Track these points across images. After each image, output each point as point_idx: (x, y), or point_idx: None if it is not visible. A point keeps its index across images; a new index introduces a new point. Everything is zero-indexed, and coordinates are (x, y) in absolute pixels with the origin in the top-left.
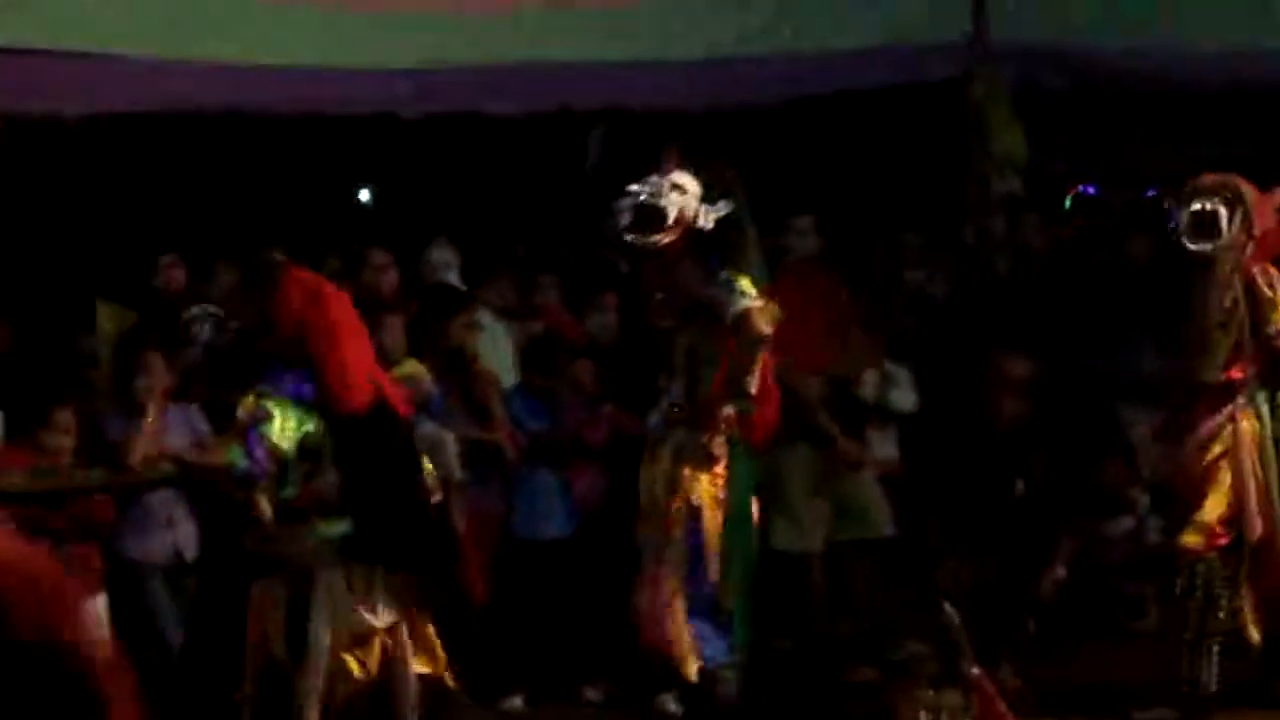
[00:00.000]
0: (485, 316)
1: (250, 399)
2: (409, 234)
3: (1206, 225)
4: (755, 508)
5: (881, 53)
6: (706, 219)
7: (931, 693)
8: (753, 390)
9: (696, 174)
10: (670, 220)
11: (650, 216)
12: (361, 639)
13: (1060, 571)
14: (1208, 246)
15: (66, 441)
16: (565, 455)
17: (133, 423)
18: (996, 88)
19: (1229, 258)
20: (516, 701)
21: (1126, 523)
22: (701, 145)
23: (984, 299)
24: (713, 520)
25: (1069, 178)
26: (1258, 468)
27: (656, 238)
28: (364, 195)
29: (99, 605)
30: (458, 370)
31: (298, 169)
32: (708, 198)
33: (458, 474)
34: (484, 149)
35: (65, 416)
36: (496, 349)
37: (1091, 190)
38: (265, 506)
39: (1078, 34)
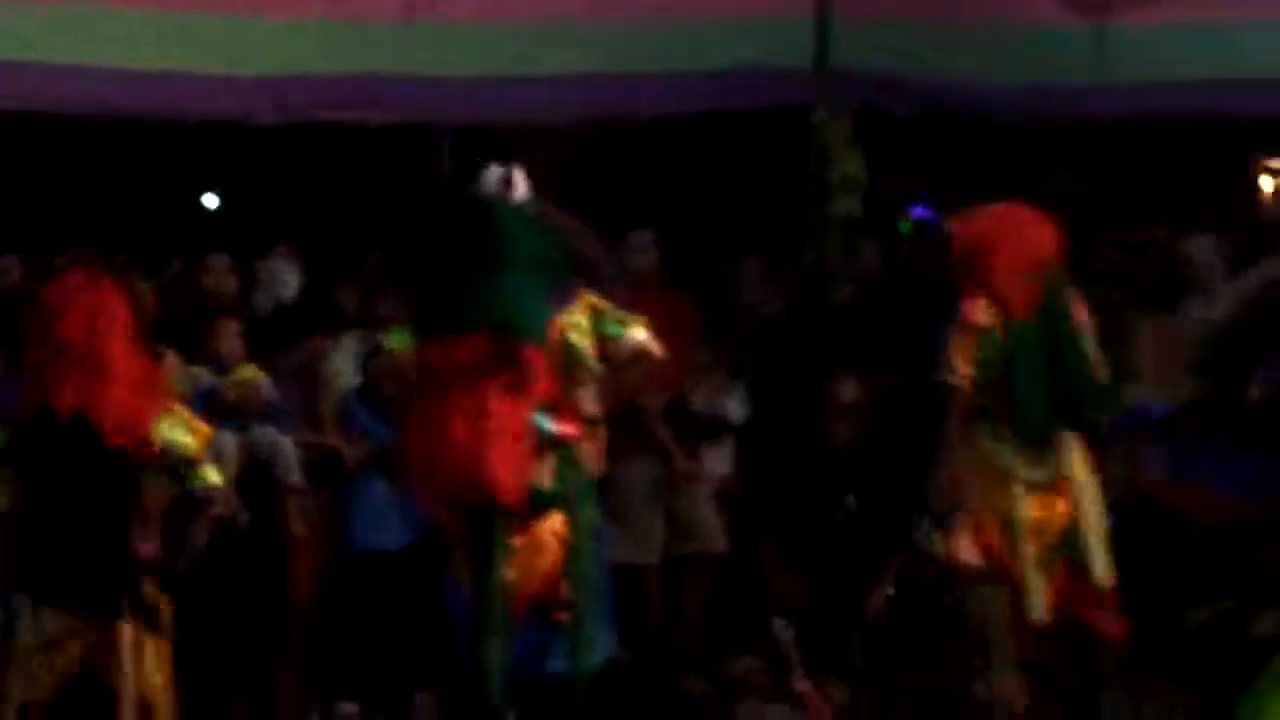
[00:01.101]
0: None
1: None
2: (254, 240)
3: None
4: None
5: (727, 77)
6: None
7: (763, 707)
8: None
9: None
10: None
11: None
12: (50, 645)
13: (889, 589)
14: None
15: None
16: (404, 466)
17: None
18: (838, 113)
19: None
20: (351, 709)
21: None
22: (551, 162)
23: (820, 320)
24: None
25: (906, 202)
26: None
27: None
28: (209, 200)
29: None
30: (297, 376)
31: (144, 172)
32: None
33: (296, 479)
34: (335, 158)
35: None
36: (339, 357)
37: (927, 214)
38: None
39: (920, 63)
